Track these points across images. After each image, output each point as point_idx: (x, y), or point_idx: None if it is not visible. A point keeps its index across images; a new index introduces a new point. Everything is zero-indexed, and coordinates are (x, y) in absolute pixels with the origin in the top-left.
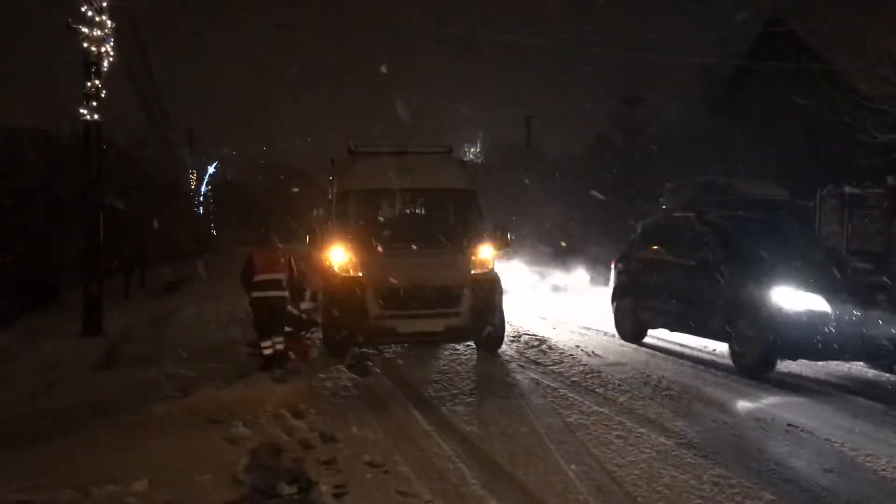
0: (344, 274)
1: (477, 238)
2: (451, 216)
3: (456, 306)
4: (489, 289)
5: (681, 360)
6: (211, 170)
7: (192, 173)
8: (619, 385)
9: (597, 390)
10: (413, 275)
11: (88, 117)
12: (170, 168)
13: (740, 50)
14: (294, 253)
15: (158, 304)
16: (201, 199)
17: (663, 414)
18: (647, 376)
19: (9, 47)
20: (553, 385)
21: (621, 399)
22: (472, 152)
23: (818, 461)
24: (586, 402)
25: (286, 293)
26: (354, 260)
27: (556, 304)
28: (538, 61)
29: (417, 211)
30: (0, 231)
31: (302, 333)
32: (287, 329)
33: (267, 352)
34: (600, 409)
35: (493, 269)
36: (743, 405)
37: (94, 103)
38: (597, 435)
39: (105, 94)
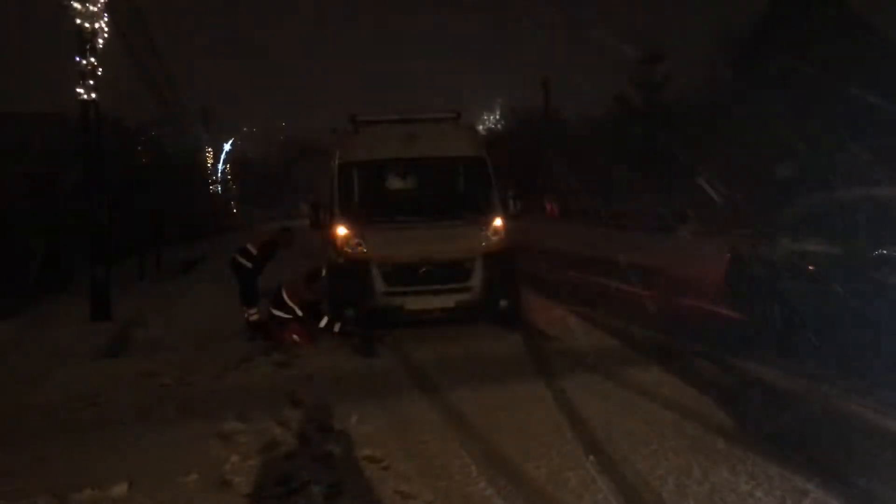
0: (348, 250)
1: (488, 208)
2: (461, 185)
3: (467, 281)
4: (502, 260)
5: None
6: (227, 147)
7: (209, 151)
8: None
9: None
10: (420, 249)
11: (85, 96)
12: (183, 147)
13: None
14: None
15: (172, 286)
16: (219, 176)
17: None
18: None
19: (23, 31)
20: (572, 365)
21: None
22: (491, 120)
23: None
24: (609, 384)
25: (249, 263)
26: (359, 235)
27: None
28: (554, 18)
29: (424, 181)
30: (14, 216)
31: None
32: (285, 315)
33: (252, 318)
34: (623, 392)
35: (505, 240)
36: None
37: (91, 81)
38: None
39: (101, 72)
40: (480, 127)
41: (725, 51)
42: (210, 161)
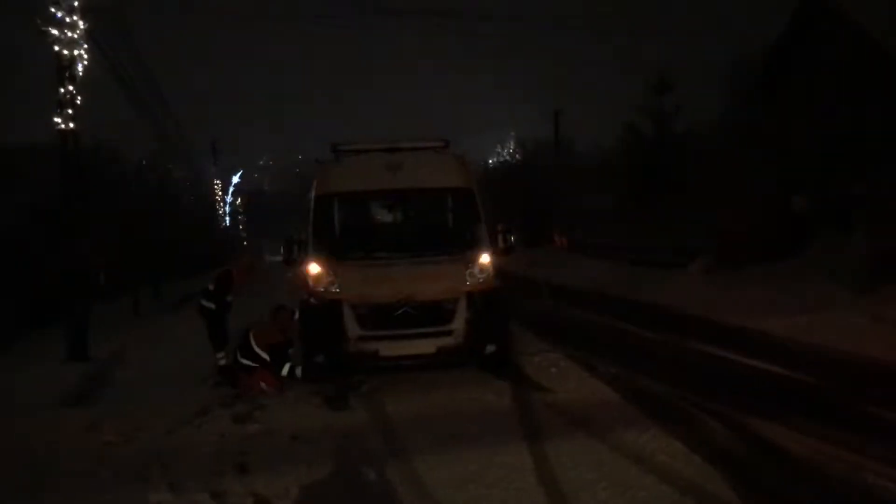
0: (320, 290)
1: (474, 243)
2: (446, 219)
3: (449, 323)
4: (488, 301)
5: None
6: (235, 179)
7: (217, 184)
8: None
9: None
10: (398, 289)
11: (63, 126)
12: (188, 180)
13: (775, 30)
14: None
15: (164, 322)
16: (227, 209)
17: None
18: None
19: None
20: (561, 424)
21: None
22: (504, 152)
23: None
24: (601, 449)
25: (212, 304)
26: (332, 273)
27: None
28: (567, 50)
29: (407, 214)
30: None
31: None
32: (252, 363)
33: (220, 363)
34: (617, 460)
35: (493, 278)
36: None
37: (70, 111)
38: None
39: (81, 101)
40: (492, 161)
41: (738, 81)
42: (219, 194)
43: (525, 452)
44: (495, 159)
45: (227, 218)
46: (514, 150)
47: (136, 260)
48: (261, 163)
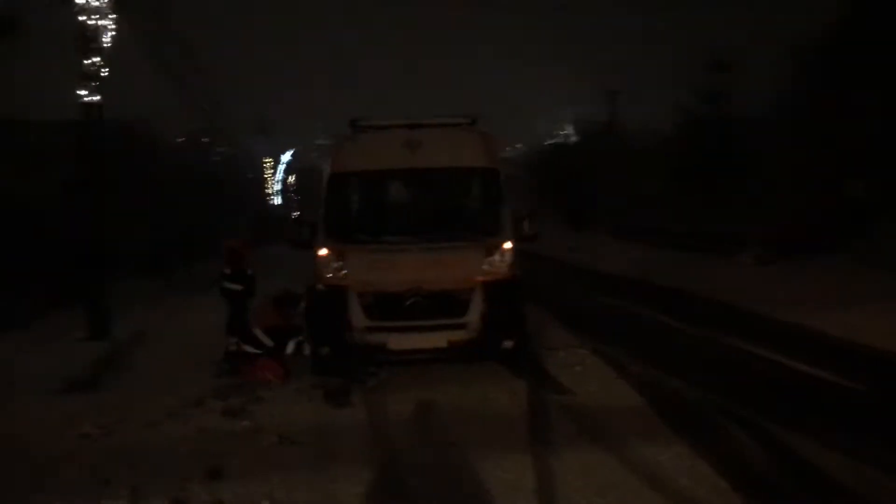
0: (326, 276)
1: (495, 229)
2: (466, 202)
3: (462, 316)
4: (506, 293)
5: None
6: (286, 157)
7: (268, 162)
8: None
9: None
10: (408, 277)
11: (88, 98)
12: (229, 158)
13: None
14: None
15: (194, 301)
16: (278, 186)
17: None
18: None
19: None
20: (575, 432)
21: None
22: (563, 134)
23: None
24: (614, 466)
25: (234, 286)
26: (340, 258)
27: None
28: (625, 29)
29: (424, 196)
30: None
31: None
32: (255, 350)
33: (230, 348)
34: (630, 480)
35: (513, 268)
36: None
37: (94, 83)
38: None
39: (106, 73)
40: (548, 142)
41: (798, 59)
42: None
43: (529, 468)
44: (549, 141)
45: (278, 196)
46: (568, 132)
47: (170, 237)
48: (318, 142)
